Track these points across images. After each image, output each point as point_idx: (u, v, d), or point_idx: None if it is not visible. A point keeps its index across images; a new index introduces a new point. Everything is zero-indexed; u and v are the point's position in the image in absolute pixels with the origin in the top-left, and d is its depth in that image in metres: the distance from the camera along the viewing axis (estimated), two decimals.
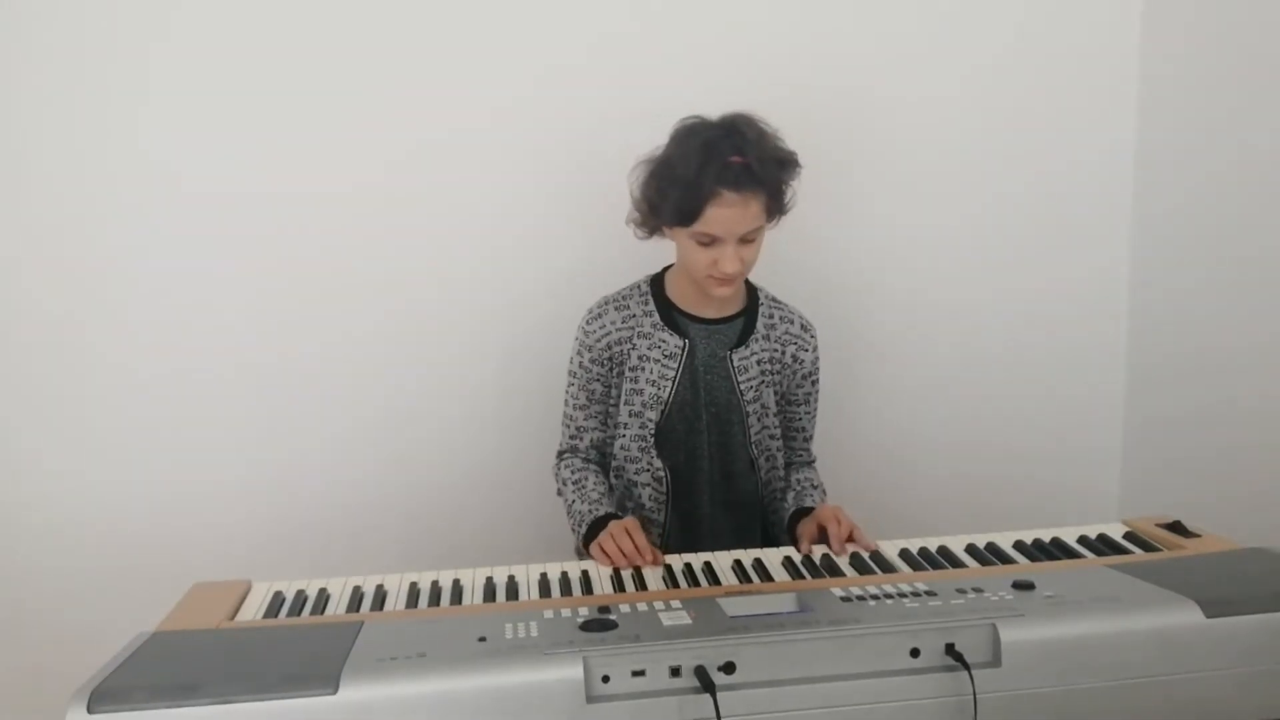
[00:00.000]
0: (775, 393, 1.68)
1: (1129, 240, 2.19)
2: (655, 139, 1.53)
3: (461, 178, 1.94)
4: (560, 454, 1.72)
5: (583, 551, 1.55)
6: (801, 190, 1.55)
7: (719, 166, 1.43)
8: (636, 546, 1.42)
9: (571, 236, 1.99)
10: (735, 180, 1.44)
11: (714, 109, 1.52)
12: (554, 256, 1.99)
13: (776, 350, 1.66)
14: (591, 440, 1.69)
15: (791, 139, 1.52)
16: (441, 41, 1.89)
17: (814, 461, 1.79)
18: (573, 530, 1.60)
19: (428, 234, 1.96)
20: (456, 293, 1.99)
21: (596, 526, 1.51)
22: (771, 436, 1.68)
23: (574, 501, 1.61)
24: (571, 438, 1.69)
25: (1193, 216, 2.03)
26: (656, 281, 1.67)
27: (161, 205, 1.88)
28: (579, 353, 1.66)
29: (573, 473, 1.65)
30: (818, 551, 1.47)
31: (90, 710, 0.96)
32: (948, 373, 2.19)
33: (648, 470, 1.64)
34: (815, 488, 1.70)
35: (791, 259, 2.00)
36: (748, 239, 1.50)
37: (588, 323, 1.65)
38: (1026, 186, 2.13)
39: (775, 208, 1.52)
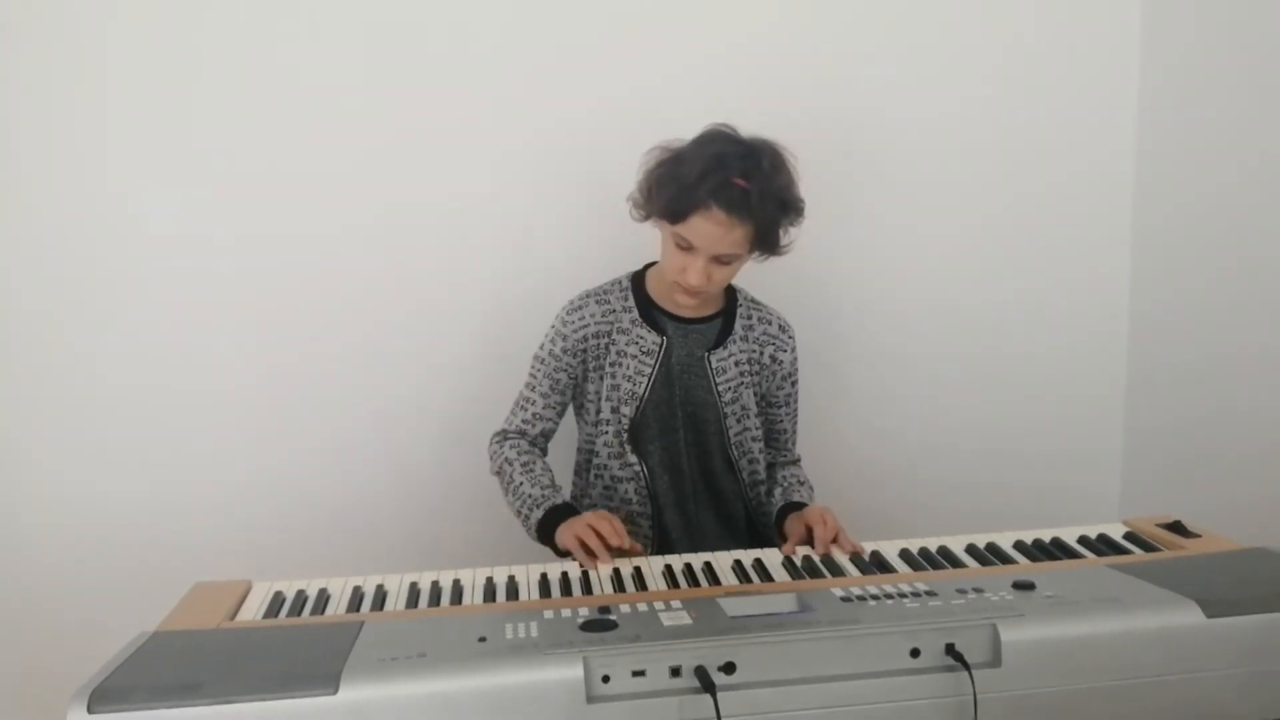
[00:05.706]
0: (755, 394, 1.67)
1: (1130, 243, 2.19)
2: (644, 139, 1.54)
3: (459, 178, 1.95)
4: (505, 434, 1.67)
5: (533, 536, 1.51)
6: (803, 194, 1.54)
7: (719, 181, 1.43)
8: (616, 531, 1.40)
9: (573, 234, 1.99)
10: (729, 201, 1.43)
11: (710, 116, 1.52)
12: (551, 254, 1.99)
13: (755, 351, 1.66)
14: (543, 430, 1.66)
15: (789, 144, 1.52)
16: (425, 39, 1.89)
17: (799, 460, 1.79)
18: (518, 513, 1.55)
19: (424, 236, 1.96)
20: (453, 293, 1.99)
21: (558, 514, 1.48)
22: (754, 438, 1.68)
23: (521, 483, 1.55)
24: (524, 422, 1.65)
25: (1193, 220, 2.03)
26: (637, 278, 1.67)
27: (161, 208, 1.88)
28: (552, 340, 1.64)
29: (519, 453, 1.60)
30: (800, 553, 1.46)
31: (90, 710, 0.96)
32: (951, 375, 2.19)
33: (629, 466, 1.64)
34: (802, 484, 1.70)
35: (792, 265, 1.99)
36: (723, 260, 1.49)
37: (567, 313, 1.64)
38: (1028, 190, 2.13)
39: (762, 244, 1.50)
